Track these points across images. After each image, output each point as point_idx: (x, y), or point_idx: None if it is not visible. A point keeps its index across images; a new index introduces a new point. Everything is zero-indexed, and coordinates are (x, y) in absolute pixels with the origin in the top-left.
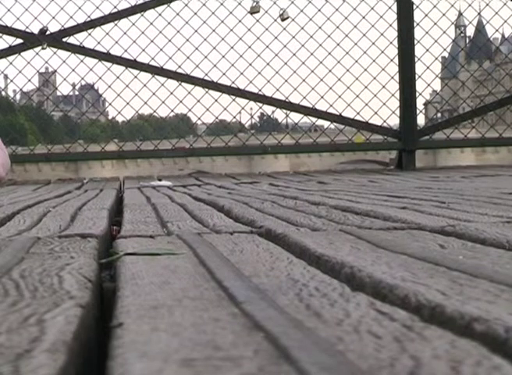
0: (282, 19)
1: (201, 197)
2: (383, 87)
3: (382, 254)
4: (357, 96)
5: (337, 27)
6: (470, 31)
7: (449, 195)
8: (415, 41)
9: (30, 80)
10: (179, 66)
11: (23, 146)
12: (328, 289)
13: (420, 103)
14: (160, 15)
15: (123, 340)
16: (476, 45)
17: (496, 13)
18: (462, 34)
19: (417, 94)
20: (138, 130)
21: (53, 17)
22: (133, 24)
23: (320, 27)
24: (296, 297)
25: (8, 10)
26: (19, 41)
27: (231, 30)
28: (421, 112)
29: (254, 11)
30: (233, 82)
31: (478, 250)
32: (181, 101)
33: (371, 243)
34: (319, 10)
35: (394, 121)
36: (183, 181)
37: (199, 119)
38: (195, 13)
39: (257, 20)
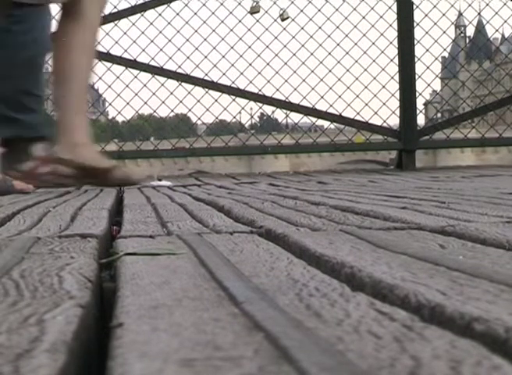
0: (282, 19)
1: (201, 197)
2: (383, 87)
3: (382, 254)
4: (357, 96)
5: (337, 27)
6: (470, 31)
7: (449, 195)
8: (415, 41)
9: None
10: (179, 66)
11: None
12: (328, 289)
13: (420, 103)
14: (160, 15)
15: (123, 340)
16: (476, 45)
17: (496, 13)
18: (462, 34)
19: (417, 94)
20: (138, 130)
21: (53, 17)
22: (133, 24)
23: (320, 27)
24: (296, 297)
25: None
26: None
27: (231, 30)
28: (421, 112)
29: (254, 11)
30: (233, 82)
31: (478, 250)
32: (181, 101)
33: (371, 243)
34: (319, 10)
35: (394, 121)
36: (183, 181)
37: (199, 119)
38: (195, 13)
39: (257, 20)
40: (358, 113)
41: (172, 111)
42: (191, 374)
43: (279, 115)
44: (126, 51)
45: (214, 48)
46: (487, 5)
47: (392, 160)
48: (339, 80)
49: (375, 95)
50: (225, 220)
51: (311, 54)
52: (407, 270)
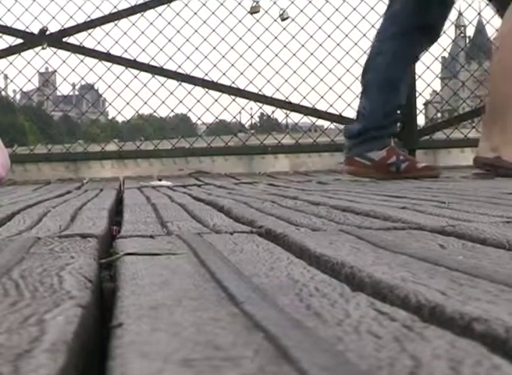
0: (282, 19)
1: (201, 197)
2: None
3: (382, 254)
4: (357, 96)
5: (337, 27)
6: (470, 31)
7: (449, 195)
8: None
9: (30, 80)
10: (179, 66)
11: (22, 146)
12: (328, 289)
13: (420, 103)
14: (160, 15)
15: (123, 340)
16: (476, 45)
17: (496, 13)
18: (462, 34)
19: (417, 94)
20: (138, 130)
21: (53, 17)
22: (133, 24)
23: (320, 27)
24: (296, 297)
25: (8, 10)
26: (19, 40)
27: (231, 30)
28: (421, 112)
29: (254, 11)
30: (233, 82)
31: (478, 250)
32: (181, 101)
33: (371, 243)
34: (319, 10)
35: None
36: (183, 181)
37: (199, 119)
38: (195, 13)
39: (257, 20)
40: None
41: (172, 111)
42: (191, 374)
43: (279, 115)
44: (126, 51)
45: (214, 48)
46: (487, 5)
47: None
48: (339, 80)
49: None
50: (225, 220)
51: (311, 54)
52: (407, 270)
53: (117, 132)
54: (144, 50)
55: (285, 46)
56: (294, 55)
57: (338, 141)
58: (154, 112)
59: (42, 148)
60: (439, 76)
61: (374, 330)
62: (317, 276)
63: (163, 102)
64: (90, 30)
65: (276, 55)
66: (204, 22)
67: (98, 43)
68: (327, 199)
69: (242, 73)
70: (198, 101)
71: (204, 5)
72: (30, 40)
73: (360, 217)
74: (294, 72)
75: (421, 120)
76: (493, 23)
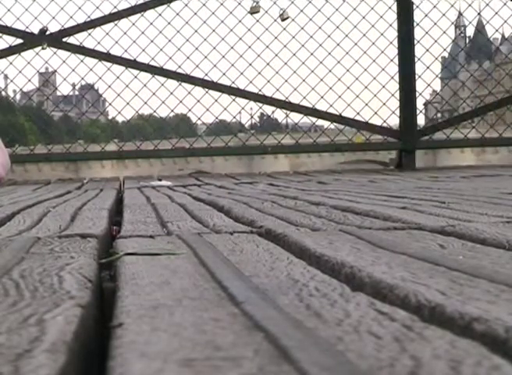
0: (282, 19)
1: (201, 197)
2: (383, 87)
3: (382, 254)
4: (357, 96)
5: (337, 27)
6: (470, 31)
7: (449, 195)
8: (415, 41)
9: (30, 80)
10: (179, 66)
11: (22, 146)
12: (328, 289)
13: (420, 103)
14: (160, 15)
15: (123, 340)
16: (476, 45)
17: (496, 13)
18: (462, 34)
19: (417, 94)
20: (138, 130)
21: (53, 17)
22: (133, 24)
23: (320, 27)
24: (296, 297)
25: (9, 10)
26: (19, 41)
27: (231, 30)
28: (421, 112)
29: (254, 11)
30: (233, 82)
31: (478, 250)
32: (181, 101)
33: (371, 243)
34: (319, 10)
35: (394, 121)
36: (183, 181)
37: (199, 119)
38: (195, 13)
39: (257, 20)
40: (358, 113)
41: (172, 111)
42: (191, 374)
43: (279, 115)
44: (126, 51)
45: (214, 48)
46: (487, 5)
47: (392, 160)
48: (339, 80)
49: (375, 95)
50: (225, 220)
51: (311, 54)
52: (407, 270)
53: (117, 132)
54: (144, 50)
55: (285, 46)
56: (294, 55)
57: (338, 141)
58: (154, 112)
59: (42, 148)
60: (439, 76)
61: (374, 330)
62: (317, 276)
63: (163, 102)
64: (90, 30)
65: (276, 55)
66: (204, 22)
67: (98, 43)
68: (327, 199)
69: (242, 73)
70: (198, 101)
71: (204, 5)
72: (30, 40)
73: (360, 217)
74: (294, 72)
75: (421, 120)
76: (493, 23)
